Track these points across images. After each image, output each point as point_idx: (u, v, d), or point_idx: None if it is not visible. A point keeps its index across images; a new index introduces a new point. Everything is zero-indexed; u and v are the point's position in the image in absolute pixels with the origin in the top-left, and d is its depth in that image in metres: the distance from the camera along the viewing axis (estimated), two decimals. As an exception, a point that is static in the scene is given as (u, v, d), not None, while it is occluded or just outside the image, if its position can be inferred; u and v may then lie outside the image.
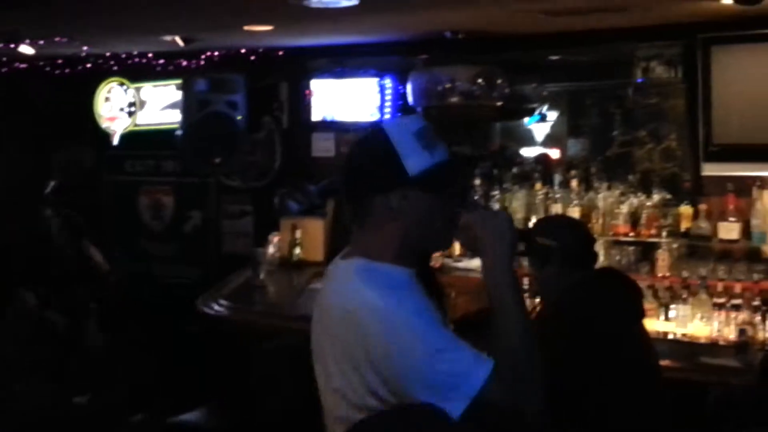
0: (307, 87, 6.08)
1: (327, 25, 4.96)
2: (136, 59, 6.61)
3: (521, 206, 5.27)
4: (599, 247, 4.76)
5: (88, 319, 5.26)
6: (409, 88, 5.53)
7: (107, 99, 7.10)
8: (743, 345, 3.76)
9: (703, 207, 4.70)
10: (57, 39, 5.72)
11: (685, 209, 4.77)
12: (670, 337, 4.26)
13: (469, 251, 2.04)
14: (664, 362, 3.25)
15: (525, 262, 3.37)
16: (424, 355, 1.74)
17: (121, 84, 7.04)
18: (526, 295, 3.95)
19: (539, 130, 6.09)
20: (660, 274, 4.68)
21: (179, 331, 5.46)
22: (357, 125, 5.94)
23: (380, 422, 1.77)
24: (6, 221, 6.13)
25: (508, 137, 6.24)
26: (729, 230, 4.59)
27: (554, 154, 6.00)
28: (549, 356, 1.85)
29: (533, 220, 5.03)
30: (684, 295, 4.36)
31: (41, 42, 5.76)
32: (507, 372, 1.75)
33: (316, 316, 1.99)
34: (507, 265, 1.87)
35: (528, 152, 6.08)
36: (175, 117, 6.50)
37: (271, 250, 5.67)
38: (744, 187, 4.62)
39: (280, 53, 6.18)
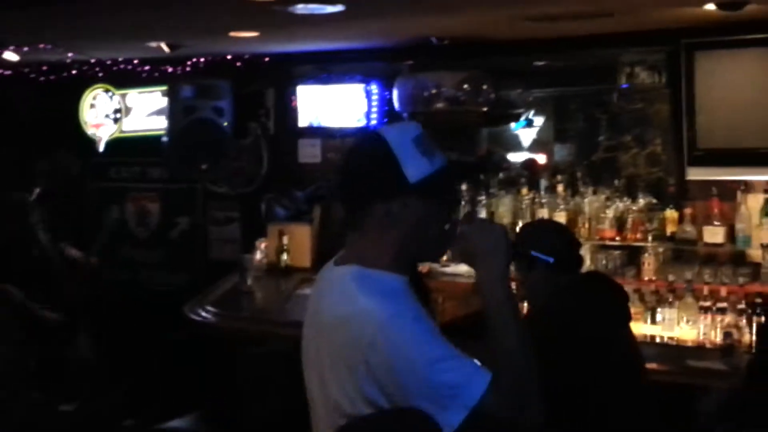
0: (293, 93, 6.09)
1: (313, 32, 4.96)
2: (122, 65, 6.59)
3: (507, 211, 5.28)
4: (586, 252, 4.78)
5: (79, 333, 5.22)
6: (395, 94, 5.54)
7: (92, 106, 7.07)
8: (729, 348, 3.78)
9: (688, 211, 4.73)
10: (41, 45, 5.69)
11: (671, 213, 4.80)
12: (657, 340, 4.29)
13: (463, 262, 2.02)
14: (651, 365, 3.27)
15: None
16: (424, 364, 1.73)
17: (107, 90, 7.01)
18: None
19: (526, 135, 6.12)
20: (646, 278, 4.70)
21: (166, 338, 5.44)
22: (343, 131, 5.95)
23: (368, 425, 1.77)
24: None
25: (495, 143, 6.27)
26: (714, 234, 4.62)
27: (541, 159, 6.02)
28: (537, 360, 1.85)
29: (519, 225, 5.04)
30: (670, 299, 4.38)
31: (26, 48, 5.73)
32: (505, 383, 1.74)
33: (309, 323, 1.97)
34: (502, 277, 1.86)
35: (515, 157, 6.10)
36: (160, 123, 6.48)
37: (258, 256, 5.66)
38: (728, 191, 4.65)
39: (266, 59, 6.17)
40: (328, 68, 6.00)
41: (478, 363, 1.78)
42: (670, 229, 4.78)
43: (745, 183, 4.61)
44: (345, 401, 1.81)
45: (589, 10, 4.20)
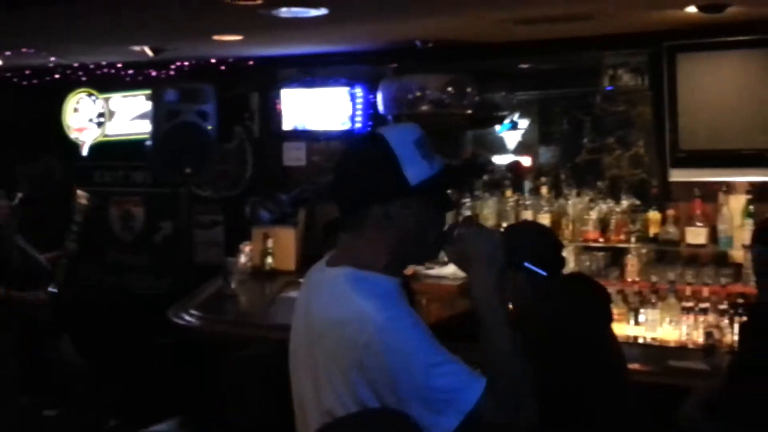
0: (278, 96, 6.08)
1: (297, 35, 4.96)
2: (105, 69, 6.57)
3: (492, 213, 5.31)
4: (570, 253, 4.81)
5: (62, 336, 5.20)
6: (379, 97, 5.55)
7: (76, 110, 7.05)
8: (711, 348, 3.80)
9: (670, 212, 4.76)
10: (24, 50, 5.67)
11: (653, 215, 4.83)
12: (640, 341, 4.30)
13: (457, 265, 2.02)
14: (633, 366, 3.29)
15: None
16: (421, 368, 1.72)
17: (90, 94, 6.99)
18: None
19: (511, 137, 6.14)
20: (629, 279, 4.73)
21: (151, 342, 5.42)
22: (328, 134, 5.96)
23: (346, 425, 1.76)
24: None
25: (480, 145, 6.28)
26: (696, 235, 4.65)
27: (526, 161, 6.04)
28: (531, 363, 1.85)
29: (504, 227, 5.06)
30: (653, 300, 4.40)
31: (8, 53, 5.71)
32: (499, 388, 1.74)
33: (299, 325, 1.96)
34: (496, 285, 1.85)
35: (500, 160, 6.12)
36: (144, 127, 6.47)
37: (242, 259, 5.65)
38: (710, 193, 4.69)
39: (250, 63, 6.17)
40: (312, 71, 6.01)
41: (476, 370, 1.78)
42: (653, 231, 4.80)
43: (727, 184, 4.65)
44: (337, 404, 1.80)
45: (571, 12, 4.22)
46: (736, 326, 4.01)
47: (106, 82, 6.76)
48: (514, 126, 6.07)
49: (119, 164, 7.01)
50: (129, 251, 7.01)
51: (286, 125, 6.08)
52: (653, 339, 4.30)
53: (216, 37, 5.11)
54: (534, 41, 5.06)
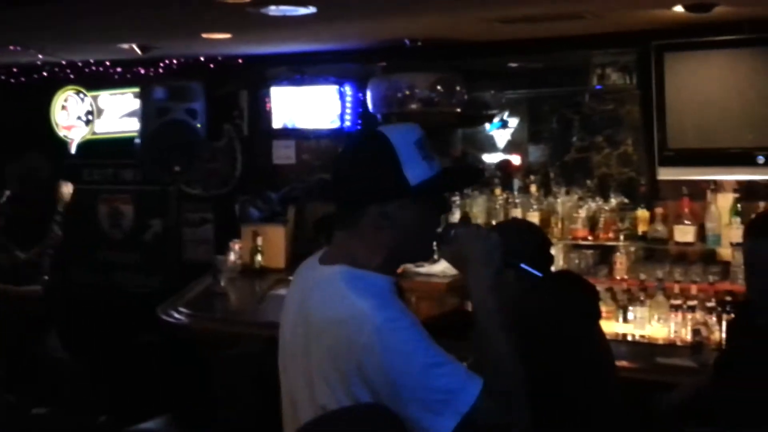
0: (267, 95, 6.08)
1: (285, 33, 4.96)
2: (93, 67, 6.54)
3: (481, 212, 5.32)
4: (558, 251, 4.83)
5: (50, 332, 5.19)
6: (368, 95, 5.55)
7: (64, 107, 7.03)
8: (698, 345, 3.82)
9: (659, 211, 4.79)
10: (12, 48, 5.64)
11: (642, 213, 4.85)
12: (629, 338, 4.33)
13: (452, 265, 2.02)
14: (620, 363, 3.31)
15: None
16: (420, 369, 1.72)
17: (78, 92, 6.96)
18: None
19: (500, 136, 6.15)
20: (618, 277, 4.75)
21: (140, 339, 5.41)
22: (317, 132, 5.96)
23: (331, 420, 1.76)
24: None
25: (470, 144, 6.29)
26: (684, 233, 4.68)
27: (515, 160, 6.06)
28: (526, 360, 1.86)
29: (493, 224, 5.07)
30: (641, 297, 4.43)
31: (-5, 51, 5.69)
32: (496, 389, 1.75)
33: (290, 321, 1.95)
34: (492, 286, 1.86)
35: (490, 158, 6.13)
36: (133, 125, 6.45)
37: (232, 257, 5.65)
38: (698, 191, 4.71)
39: (239, 61, 6.16)
40: (301, 70, 6.00)
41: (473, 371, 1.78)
42: (641, 229, 4.83)
43: (715, 183, 4.67)
44: (332, 400, 1.79)
45: (560, 12, 4.23)
46: (724, 323, 4.05)
47: (94, 80, 6.73)
48: (503, 125, 6.08)
49: (108, 162, 6.99)
50: (118, 249, 6.99)
51: (276, 123, 6.07)
52: (642, 336, 4.33)
53: (205, 35, 5.10)
54: (523, 40, 5.07)
